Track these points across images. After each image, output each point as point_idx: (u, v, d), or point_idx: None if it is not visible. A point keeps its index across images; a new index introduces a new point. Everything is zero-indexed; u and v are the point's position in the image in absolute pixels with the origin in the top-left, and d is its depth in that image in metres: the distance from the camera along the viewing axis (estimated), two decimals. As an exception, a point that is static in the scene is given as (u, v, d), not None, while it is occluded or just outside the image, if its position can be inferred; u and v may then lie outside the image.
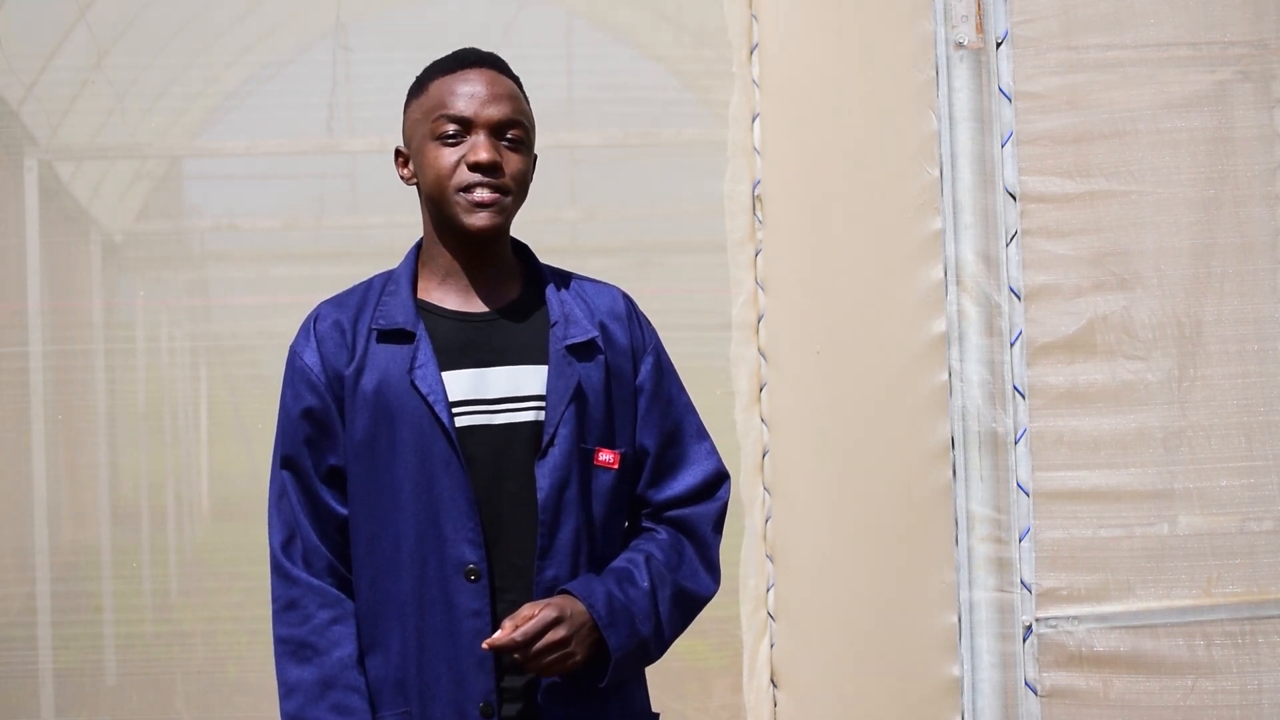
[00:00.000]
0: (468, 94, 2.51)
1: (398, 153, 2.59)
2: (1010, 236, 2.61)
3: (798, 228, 3.63)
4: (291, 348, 2.58)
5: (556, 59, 7.06)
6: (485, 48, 2.62)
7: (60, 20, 6.97)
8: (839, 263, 3.40)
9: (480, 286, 2.56)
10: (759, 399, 3.74)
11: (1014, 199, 2.61)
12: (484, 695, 2.44)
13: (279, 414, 2.55)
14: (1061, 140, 2.62)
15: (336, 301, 2.58)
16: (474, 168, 2.48)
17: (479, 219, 2.49)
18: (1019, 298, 2.60)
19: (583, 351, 2.55)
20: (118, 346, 7.02)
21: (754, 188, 3.78)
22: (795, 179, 3.64)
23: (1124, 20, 2.65)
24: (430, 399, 2.45)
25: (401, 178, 2.59)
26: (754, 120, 3.78)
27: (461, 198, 2.49)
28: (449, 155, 2.49)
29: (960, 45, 2.63)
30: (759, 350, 3.77)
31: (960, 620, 2.61)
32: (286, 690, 2.47)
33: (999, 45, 2.63)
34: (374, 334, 2.51)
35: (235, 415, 7.91)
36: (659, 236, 7.63)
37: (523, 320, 2.55)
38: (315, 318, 2.57)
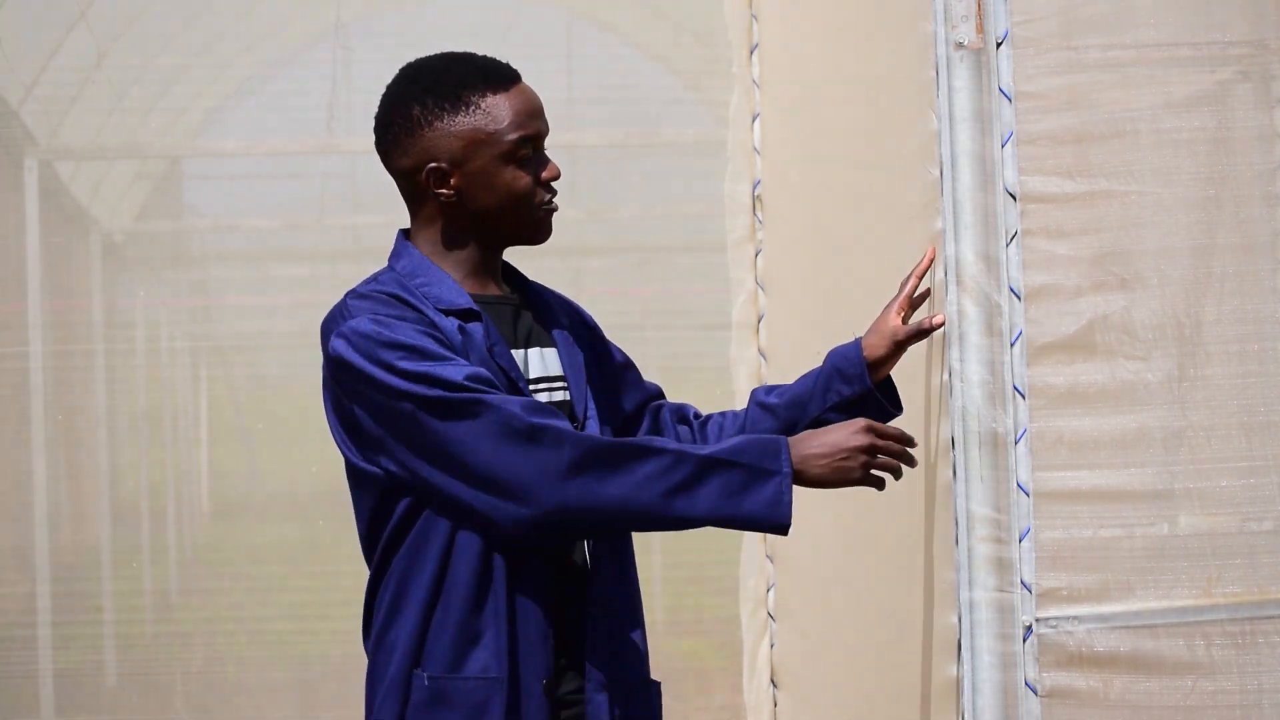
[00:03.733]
0: (534, 112, 2.52)
1: (432, 170, 2.49)
2: (1010, 236, 2.61)
3: (798, 228, 3.64)
4: (368, 332, 2.39)
5: (556, 59, 7.06)
6: (485, 48, 2.62)
7: (60, 20, 6.97)
8: (839, 263, 3.40)
9: (495, 277, 2.59)
10: (759, 399, 3.73)
11: (1014, 199, 2.61)
12: (546, 672, 2.43)
13: (398, 368, 2.36)
14: (1061, 140, 2.62)
15: (379, 302, 2.46)
16: (549, 183, 2.53)
17: (548, 229, 2.56)
18: (1019, 298, 2.60)
19: (575, 335, 2.62)
20: (118, 346, 7.02)
21: (754, 188, 3.78)
22: (795, 179, 3.64)
23: (1124, 20, 2.65)
24: (511, 374, 2.47)
25: (439, 195, 2.51)
26: (754, 120, 3.78)
27: (538, 213, 2.53)
28: (526, 175, 2.51)
29: (960, 45, 2.63)
30: (759, 350, 3.78)
31: (960, 620, 2.61)
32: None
33: (999, 45, 2.63)
34: (441, 315, 2.47)
35: (235, 415, 7.91)
36: (659, 236, 7.63)
37: (526, 307, 2.60)
38: (378, 312, 2.43)
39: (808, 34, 3.54)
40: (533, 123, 2.51)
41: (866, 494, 2.72)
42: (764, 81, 3.75)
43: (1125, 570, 2.59)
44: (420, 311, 2.45)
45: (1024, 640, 2.58)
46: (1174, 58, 2.67)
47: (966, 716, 2.59)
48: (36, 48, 6.96)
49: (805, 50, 3.56)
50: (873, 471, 2.44)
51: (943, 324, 2.66)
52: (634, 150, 7.03)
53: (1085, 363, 2.61)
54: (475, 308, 2.49)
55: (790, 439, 2.43)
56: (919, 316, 2.74)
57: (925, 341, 2.79)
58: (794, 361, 3.64)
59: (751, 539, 3.81)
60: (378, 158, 2.60)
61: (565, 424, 2.37)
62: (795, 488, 2.42)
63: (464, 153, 2.50)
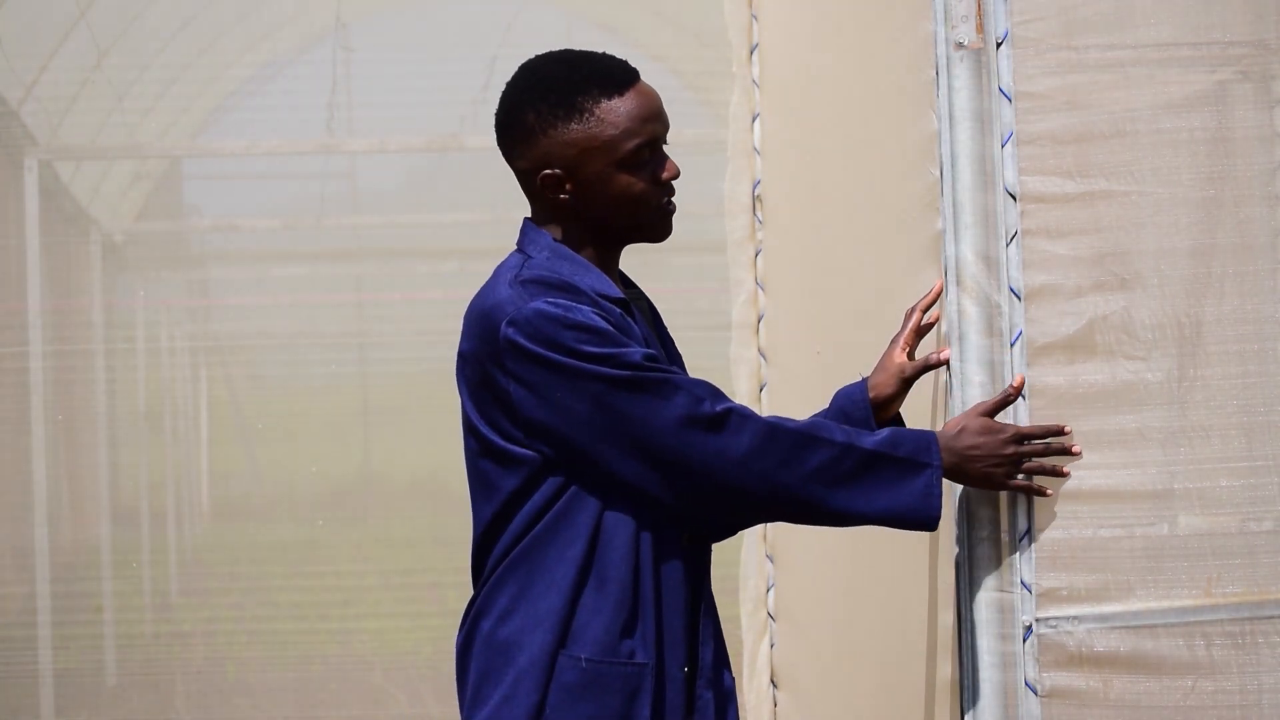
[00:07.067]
0: (653, 114, 2.49)
1: (547, 176, 2.46)
2: (1010, 236, 2.62)
3: (798, 228, 3.64)
4: (553, 315, 2.38)
5: (556, 59, 7.04)
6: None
7: (60, 20, 6.98)
8: (839, 263, 3.40)
9: (614, 275, 2.57)
10: (759, 399, 3.74)
11: (1014, 199, 2.62)
12: (686, 660, 2.45)
13: (582, 351, 2.36)
14: (1061, 140, 2.62)
15: (550, 286, 2.44)
16: (668, 182, 2.51)
17: (668, 228, 2.53)
18: (1019, 298, 2.60)
19: (668, 337, 2.64)
20: (118, 346, 7.03)
21: (754, 188, 3.78)
22: (795, 179, 3.64)
23: (1124, 20, 2.65)
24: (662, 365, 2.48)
25: (551, 201, 2.49)
26: (754, 120, 3.78)
27: (658, 213, 2.50)
28: (642, 179, 2.48)
29: (960, 45, 2.63)
30: (759, 350, 3.78)
31: (960, 620, 2.61)
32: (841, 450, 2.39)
33: (999, 45, 2.63)
34: (603, 300, 2.47)
35: (235, 415, 7.92)
36: (659, 236, 7.62)
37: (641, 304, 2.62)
38: (552, 297, 2.41)
39: (808, 34, 3.54)
40: (648, 126, 2.48)
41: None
42: (764, 81, 3.75)
43: (1125, 570, 2.59)
44: (590, 296, 2.43)
45: (1024, 640, 2.58)
46: (1174, 58, 2.67)
47: (966, 716, 2.60)
48: (36, 48, 6.96)
49: (805, 50, 3.56)
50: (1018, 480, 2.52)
51: (948, 361, 2.64)
52: (634, 150, 7.02)
53: (1085, 363, 2.61)
54: (625, 298, 2.49)
55: (940, 432, 2.49)
56: (925, 349, 2.74)
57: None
58: (794, 361, 3.64)
59: (752, 538, 3.81)
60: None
61: (745, 408, 2.39)
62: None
63: (578, 160, 2.46)
